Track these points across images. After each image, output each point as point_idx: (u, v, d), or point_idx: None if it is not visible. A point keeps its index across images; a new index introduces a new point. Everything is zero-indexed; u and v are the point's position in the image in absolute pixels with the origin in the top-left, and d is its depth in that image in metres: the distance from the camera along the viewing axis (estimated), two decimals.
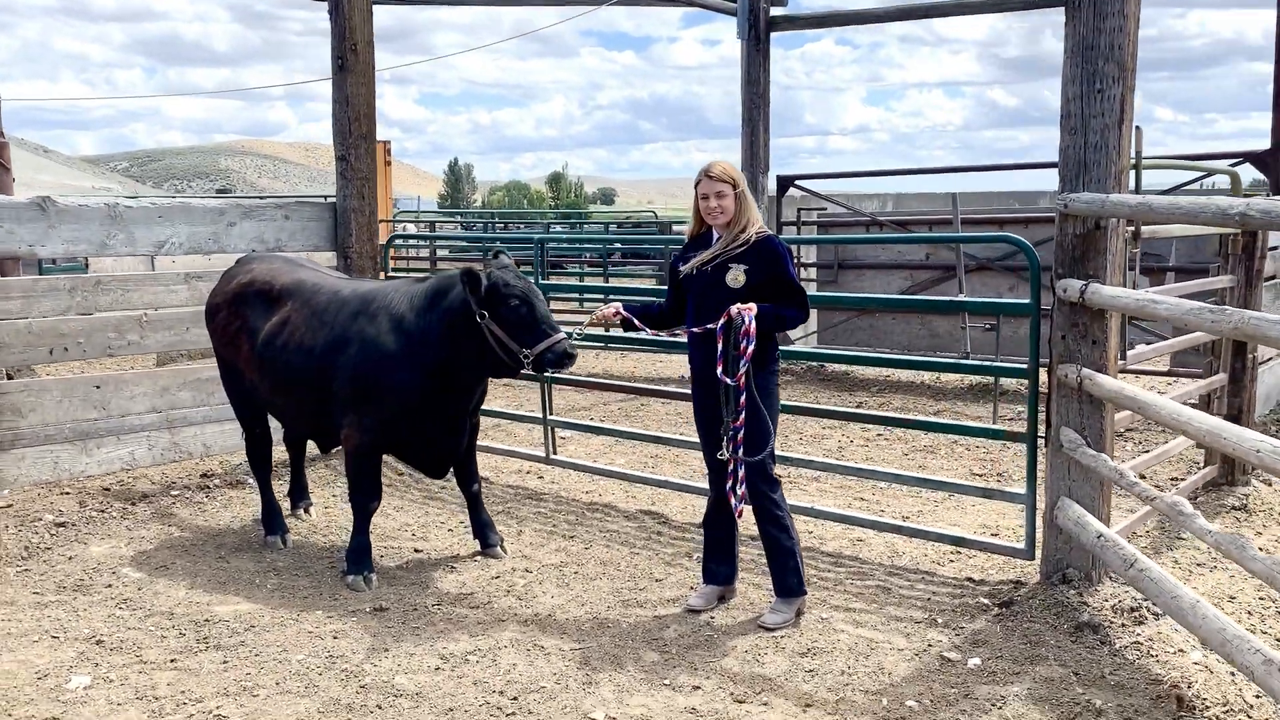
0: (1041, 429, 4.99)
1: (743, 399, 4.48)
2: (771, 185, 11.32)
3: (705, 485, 6.48)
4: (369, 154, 7.46)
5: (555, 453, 7.08)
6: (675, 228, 18.05)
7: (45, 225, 5.92)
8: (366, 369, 5.06)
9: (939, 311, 9.51)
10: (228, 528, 6.24)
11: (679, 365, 12.43)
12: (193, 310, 6.65)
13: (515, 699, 4.01)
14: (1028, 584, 4.93)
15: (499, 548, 5.61)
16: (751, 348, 4.39)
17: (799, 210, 11.62)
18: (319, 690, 4.14)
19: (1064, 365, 4.62)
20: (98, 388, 6.24)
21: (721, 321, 4.47)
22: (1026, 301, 4.90)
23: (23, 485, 6.07)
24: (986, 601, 4.81)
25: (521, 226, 24.45)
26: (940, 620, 4.63)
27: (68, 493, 6.68)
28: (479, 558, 5.61)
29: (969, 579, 5.13)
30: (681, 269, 4.76)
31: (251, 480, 7.11)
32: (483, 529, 5.63)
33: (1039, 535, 4.94)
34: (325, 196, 11.05)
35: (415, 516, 6.36)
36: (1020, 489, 5.20)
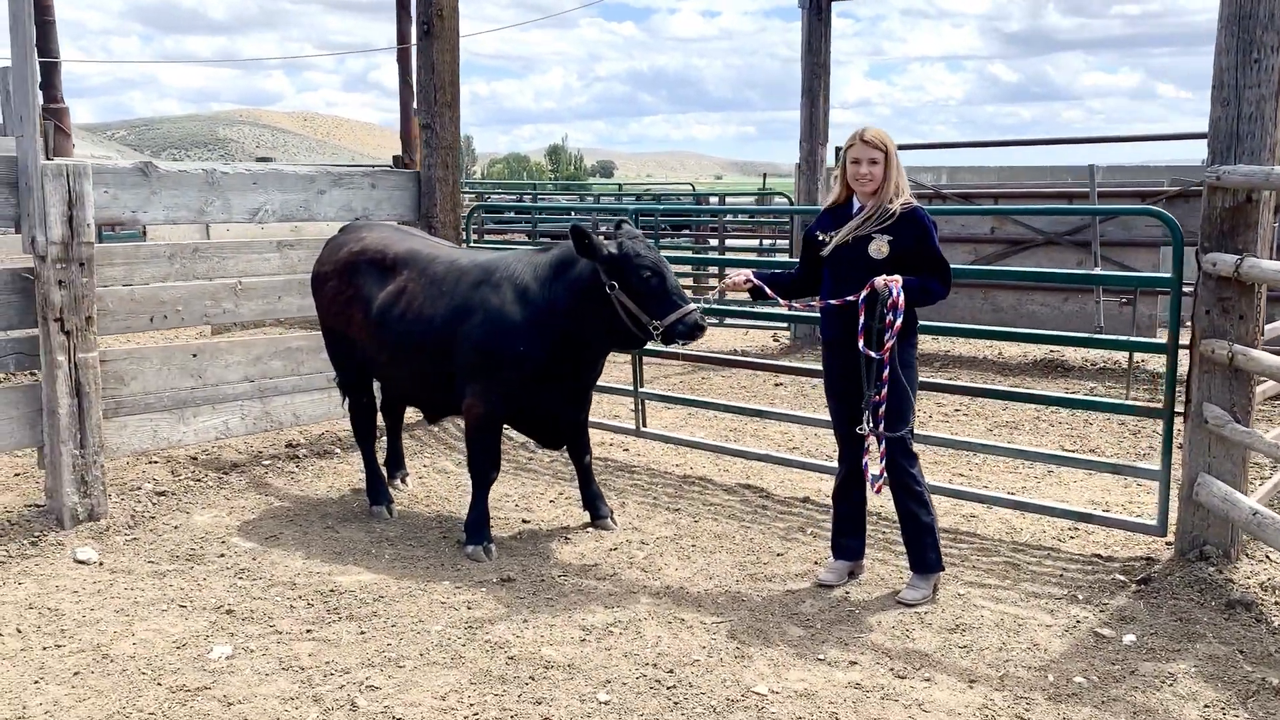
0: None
1: (886, 373, 4.42)
2: (830, 158, 11.22)
3: (799, 459, 6.49)
4: (453, 122, 7.37)
5: (645, 425, 7.04)
6: (728, 199, 17.85)
7: (148, 191, 5.83)
8: (491, 339, 5.00)
9: (1075, 286, 9.46)
10: (326, 498, 6.20)
11: (729, 339, 12.36)
12: (284, 279, 6.59)
13: (671, 671, 3.98)
14: (1161, 560, 4.89)
15: (609, 519, 5.57)
16: (900, 321, 4.33)
17: None
18: (466, 661, 4.11)
19: (1209, 340, 4.57)
20: (194, 356, 6.17)
21: (865, 293, 4.40)
22: (1167, 275, 4.83)
23: (123, 454, 6.01)
24: (1123, 578, 4.77)
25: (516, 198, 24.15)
26: (1081, 596, 4.60)
27: (155, 461, 6.64)
28: (590, 529, 5.57)
29: (1096, 555, 5.09)
30: (820, 237, 4.69)
31: (339, 450, 7.10)
32: (593, 500, 5.59)
33: (1172, 511, 4.90)
34: (370, 166, 10.92)
35: (513, 488, 6.32)
36: (1149, 465, 5.16)
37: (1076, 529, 5.45)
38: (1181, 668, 3.90)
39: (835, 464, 6.39)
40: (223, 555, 5.27)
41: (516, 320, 4.99)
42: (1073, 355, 10.24)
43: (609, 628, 4.37)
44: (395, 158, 14.04)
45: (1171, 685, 3.78)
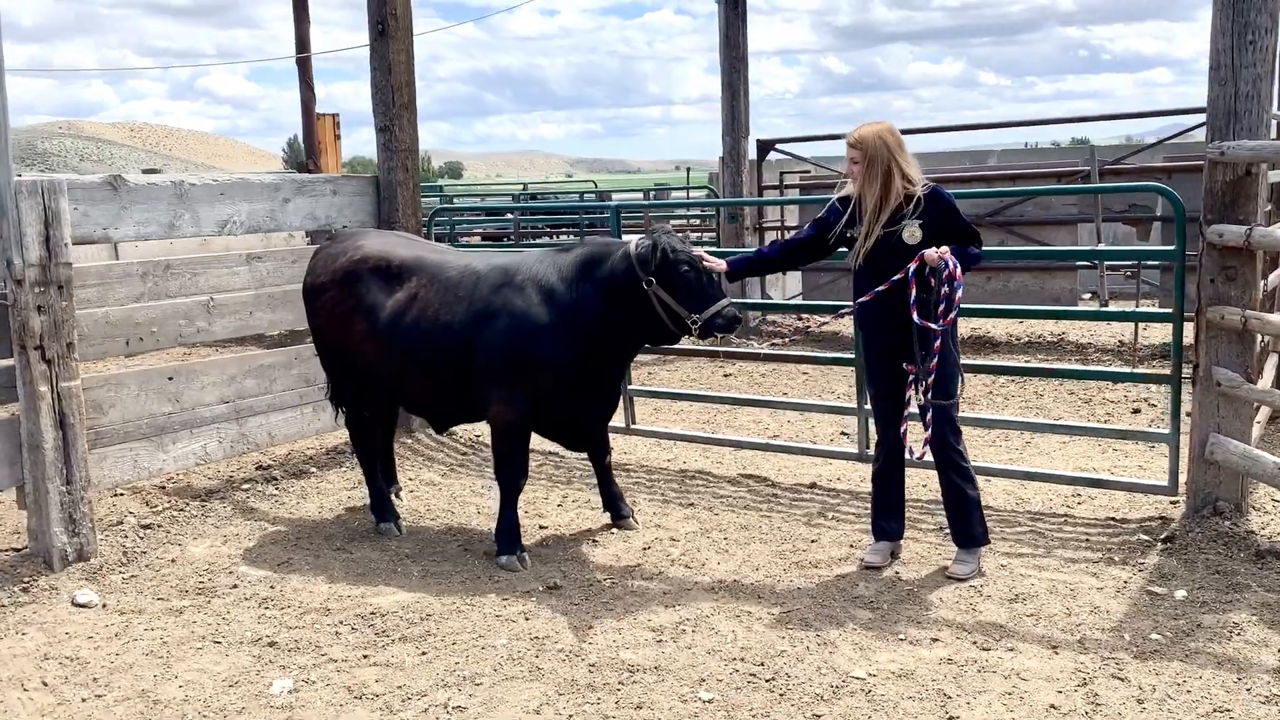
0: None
1: (938, 344, 4.53)
2: (752, 150, 11.38)
3: (797, 445, 6.58)
4: (411, 124, 7.16)
5: (635, 422, 7.00)
6: (616, 196, 17.83)
7: (118, 206, 5.45)
8: (519, 342, 4.89)
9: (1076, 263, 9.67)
10: (321, 519, 5.95)
11: None
12: (253, 294, 6.29)
13: (762, 664, 3.98)
14: (1175, 519, 5.15)
15: (632, 519, 5.53)
16: (959, 292, 4.44)
17: (781, 174, 11.72)
18: (545, 673, 4.01)
19: (1216, 307, 4.82)
20: (170, 379, 5.82)
21: (914, 266, 4.48)
22: (1171, 249, 5.09)
23: (105, 487, 5.62)
24: (1146, 538, 5.00)
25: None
26: (1117, 558, 4.80)
27: (122, 494, 6.24)
28: (614, 530, 5.51)
29: (1110, 518, 5.33)
30: (848, 234, 4.73)
31: (314, 469, 6.83)
32: (614, 500, 5.54)
33: (1182, 472, 5.16)
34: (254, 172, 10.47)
35: None
36: (1159, 429, 5.42)
37: (1079, 494, 5.69)
38: (1242, 617, 4.12)
39: (831, 449, 6.54)
40: (236, 586, 5.00)
41: (544, 322, 4.90)
42: (998, 331, 10.66)
43: (679, 626, 4.34)
44: (300, 164, 13.63)
45: (1240, 634, 3.99)
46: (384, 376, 5.39)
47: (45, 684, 4.10)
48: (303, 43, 12.37)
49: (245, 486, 6.43)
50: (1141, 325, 9.57)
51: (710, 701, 3.74)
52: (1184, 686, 3.65)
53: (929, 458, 4.70)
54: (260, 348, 10.37)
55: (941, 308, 4.44)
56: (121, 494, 6.24)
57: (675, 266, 4.75)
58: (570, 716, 3.71)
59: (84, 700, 3.97)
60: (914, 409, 4.76)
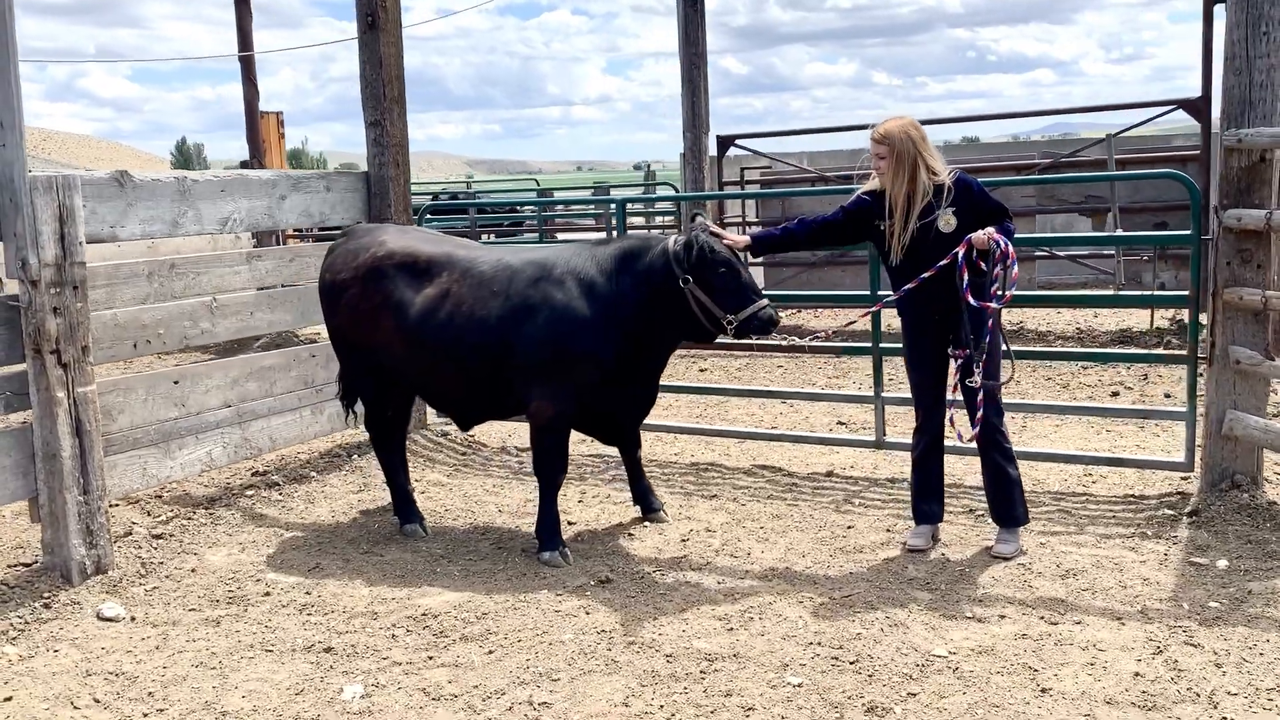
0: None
1: (991, 323, 4.63)
2: (713, 146, 11.42)
3: (811, 434, 6.65)
4: (401, 118, 7.02)
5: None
6: (559, 194, 17.72)
7: (124, 204, 5.22)
8: (561, 336, 4.84)
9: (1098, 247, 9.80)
10: (337, 522, 5.80)
11: None
12: (254, 294, 6.10)
13: (841, 648, 4.01)
14: (1193, 493, 5.34)
15: (663, 512, 5.52)
16: (1016, 269, 4.54)
17: (742, 170, 11.79)
18: (622, 665, 3.98)
19: (1233, 289, 5.02)
20: (176, 383, 5.60)
21: (962, 251, 4.56)
22: (1188, 233, 5.28)
23: (115, 496, 5.38)
24: (1171, 512, 5.18)
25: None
26: (1149, 533, 4.96)
27: (117, 504, 5.98)
28: (646, 524, 5.49)
29: (1130, 495, 5.50)
30: (880, 226, 4.78)
31: (315, 473, 6.66)
32: (645, 494, 5.52)
33: (1198, 448, 5.36)
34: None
35: (520, 493, 6.11)
36: (1176, 408, 5.61)
37: (1091, 473, 5.86)
38: None
39: (851, 437, 6.62)
40: (269, 594, 4.84)
41: (586, 315, 4.85)
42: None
43: (745, 614, 4.34)
44: (243, 162, 13.23)
45: None
46: (411, 374, 5.28)
47: (97, 700, 3.93)
48: (245, 38, 11.99)
49: (249, 493, 6.23)
50: (1094, 311, 9.95)
51: (800, 685, 3.75)
52: (1255, 650, 3.79)
53: (970, 442, 4.79)
54: (207, 355, 10.09)
55: (996, 287, 4.54)
56: (117, 504, 5.98)
57: (712, 268, 4.74)
58: (661, 706, 3.69)
59: (145, 715, 3.81)
60: (953, 395, 4.83)
